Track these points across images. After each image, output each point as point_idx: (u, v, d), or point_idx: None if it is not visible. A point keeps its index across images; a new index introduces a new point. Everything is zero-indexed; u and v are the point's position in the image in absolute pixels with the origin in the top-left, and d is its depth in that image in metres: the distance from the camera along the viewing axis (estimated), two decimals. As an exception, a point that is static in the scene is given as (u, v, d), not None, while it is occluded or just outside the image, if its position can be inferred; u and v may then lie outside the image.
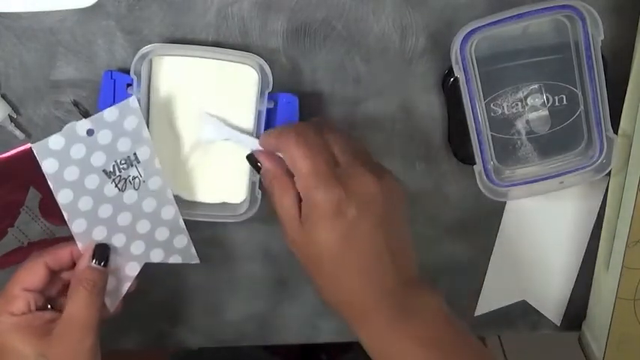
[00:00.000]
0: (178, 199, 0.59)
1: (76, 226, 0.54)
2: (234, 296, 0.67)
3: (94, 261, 0.54)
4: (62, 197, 0.52)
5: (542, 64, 0.57)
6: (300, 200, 0.50)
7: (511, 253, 0.66)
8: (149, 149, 0.54)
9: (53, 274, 0.54)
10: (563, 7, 0.54)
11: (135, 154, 0.54)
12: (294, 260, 0.65)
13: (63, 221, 0.61)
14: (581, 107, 0.58)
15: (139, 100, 0.54)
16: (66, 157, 0.51)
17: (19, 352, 0.51)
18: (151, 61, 0.55)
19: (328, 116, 0.59)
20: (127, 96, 0.55)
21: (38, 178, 0.59)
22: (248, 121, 0.56)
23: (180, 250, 0.58)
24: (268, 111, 0.56)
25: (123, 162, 0.54)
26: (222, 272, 0.66)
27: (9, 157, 0.58)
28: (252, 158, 0.54)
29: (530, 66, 0.57)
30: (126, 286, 0.57)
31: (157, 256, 0.58)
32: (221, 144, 0.57)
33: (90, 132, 0.52)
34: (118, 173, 0.54)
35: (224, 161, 0.58)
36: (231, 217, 0.58)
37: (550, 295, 0.69)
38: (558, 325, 0.70)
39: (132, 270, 0.57)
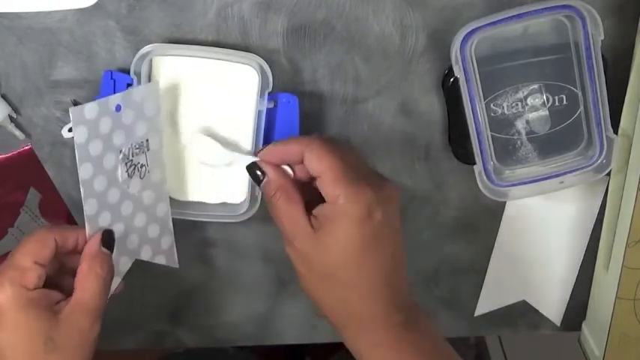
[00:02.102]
0: (178, 200, 0.59)
1: (89, 207, 0.50)
2: (234, 296, 0.67)
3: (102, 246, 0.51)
4: (83, 171, 0.49)
5: (542, 64, 0.57)
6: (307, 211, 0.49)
7: (511, 253, 0.66)
8: (159, 139, 0.53)
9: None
10: (563, 7, 0.54)
11: (147, 140, 0.52)
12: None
13: (62, 221, 0.62)
14: (581, 107, 0.58)
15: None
16: (95, 129, 0.49)
17: (30, 331, 0.47)
18: (151, 61, 0.55)
19: (328, 116, 0.59)
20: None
21: (38, 178, 0.59)
22: (248, 121, 0.56)
23: (164, 250, 0.56)
24: (268, 111, 0.56)
25: (137, 147, 0.52)
26: (222, 272, 0.66)
27: (9, 157, 0.58)
28: (253, 168, 0.52)
29: (530, 66, 0.57)
30: (116, 283, 0.53)
31: (146, 254, 0.55)
32: (220, 144, 0.57)
33: (117, 108, 0.50)
34: (130, 157, 0.52)
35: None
36: (231, 217, 0.58)
37: (550, 295, 0.69)
38: (558, 325, 0.70)
39: (124, 265, 0.54)
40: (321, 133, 0.59)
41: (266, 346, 0.71)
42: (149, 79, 0.55)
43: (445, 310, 0.69)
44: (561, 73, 0.57)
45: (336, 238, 0.48)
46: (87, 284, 0.49)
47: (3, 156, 0.58)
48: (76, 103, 0.57)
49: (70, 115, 0.47)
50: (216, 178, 0.59)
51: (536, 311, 0.69)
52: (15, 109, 0.57)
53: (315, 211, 0.49)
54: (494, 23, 0.54)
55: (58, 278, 0.51)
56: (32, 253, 0.48)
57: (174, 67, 0.55)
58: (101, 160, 0.50)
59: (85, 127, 0.48)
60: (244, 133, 0.57)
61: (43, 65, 0.56)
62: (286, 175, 0.51)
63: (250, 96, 0.56)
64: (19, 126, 0.58)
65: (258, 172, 0.52)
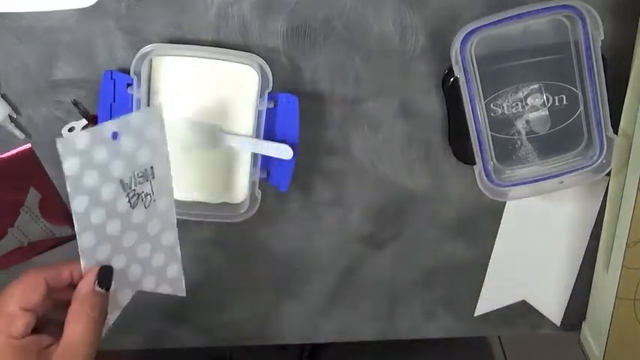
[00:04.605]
0: (178, 200, 0.59)
1: (84, 241, 0.47)
2: (235, 296, 0.67)
3: (97, 284, 0.48)
4: (77, 205, 0.45)
5: (542, 64, 0.57)
6: None
7: (511, 253, 0.66)
8: (166, 166, 0.49)
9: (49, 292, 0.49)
10: (563, 7, 0.54)
11: (152, 167, 0.48)
12: (295, 260, 0.66)
13: (62, 221, 0.62)
14: (581, 107, 0.58)
15: (139, 101, 0.54)
16: (89, 159, 0.45)
17: None
18: (151, 61, 0.55)
19: (328, 116, 0.59)
20: (127, 95, 0.55)
21: (38, 178, 0.59)
22: (248, 121, 0.56)
23: (170, 279, 0.53)
24: (268, 111, 0.56)
25: (140, 175, 0.48)
26: (222, 272, 0.66)
27: (9, 157, 0.59)
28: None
29: (530, 66, 0.57)
30: (114, 316, 0.50)
31: (149, 284, 0.52)
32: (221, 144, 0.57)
33: (114, 135, 0.46)
34: (133, 187, 0.48)
35: (224, 161, 0.58)
36: (231, 217, 0.58)
37: (550, 295, 0.69)
38: (558, 325, 0.70)
39: (123, 298, 0.51)
40: None
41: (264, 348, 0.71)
42: (149, 79, 0.55)
43: (445, 310, 0.69)
44: (561, 73, 0.57)
45: None
46: (76, 326, 0.47)
47: (3, 156, 0.58)
48: (75, 103, 0.57)
49: (58, 147, 0.43)
50: (216, 178, 0.59)
51: (536, 311, 0.69)
52: (15, 109, 0.57)
53: None
54: (494, 23, 0.54)
55: (54, 314, 0.49)
56: (19, 297, 0.46)
57: (175, 67, 0.55)
58: (98, 191, 0.46)
59: (77, 159, 0.44)
60: (244, 133, 0.57)
61: (43, 65, 0.56)
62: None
63: (250, 96, 0.56)
64: (19, 126, 0.58)
65: None
